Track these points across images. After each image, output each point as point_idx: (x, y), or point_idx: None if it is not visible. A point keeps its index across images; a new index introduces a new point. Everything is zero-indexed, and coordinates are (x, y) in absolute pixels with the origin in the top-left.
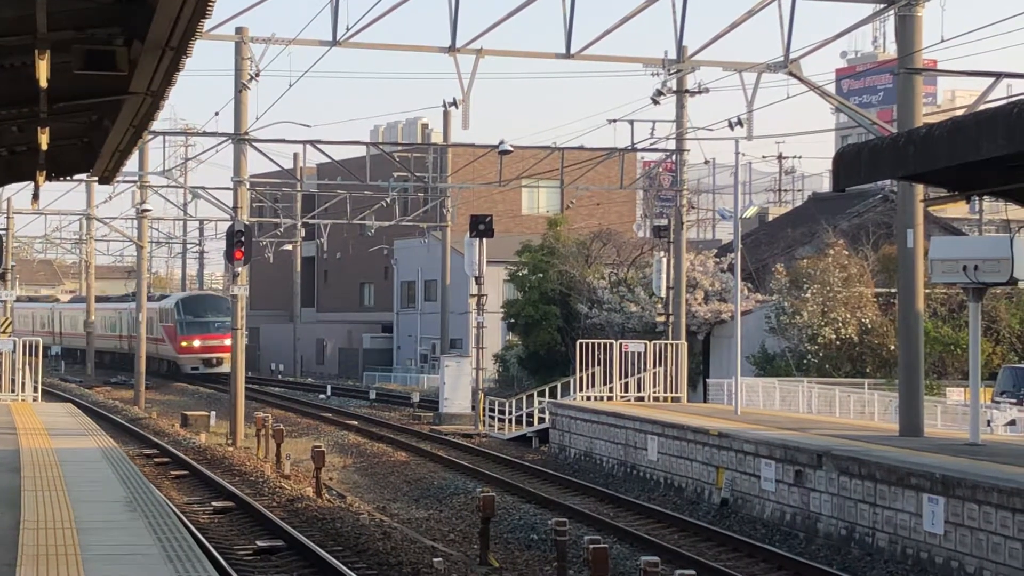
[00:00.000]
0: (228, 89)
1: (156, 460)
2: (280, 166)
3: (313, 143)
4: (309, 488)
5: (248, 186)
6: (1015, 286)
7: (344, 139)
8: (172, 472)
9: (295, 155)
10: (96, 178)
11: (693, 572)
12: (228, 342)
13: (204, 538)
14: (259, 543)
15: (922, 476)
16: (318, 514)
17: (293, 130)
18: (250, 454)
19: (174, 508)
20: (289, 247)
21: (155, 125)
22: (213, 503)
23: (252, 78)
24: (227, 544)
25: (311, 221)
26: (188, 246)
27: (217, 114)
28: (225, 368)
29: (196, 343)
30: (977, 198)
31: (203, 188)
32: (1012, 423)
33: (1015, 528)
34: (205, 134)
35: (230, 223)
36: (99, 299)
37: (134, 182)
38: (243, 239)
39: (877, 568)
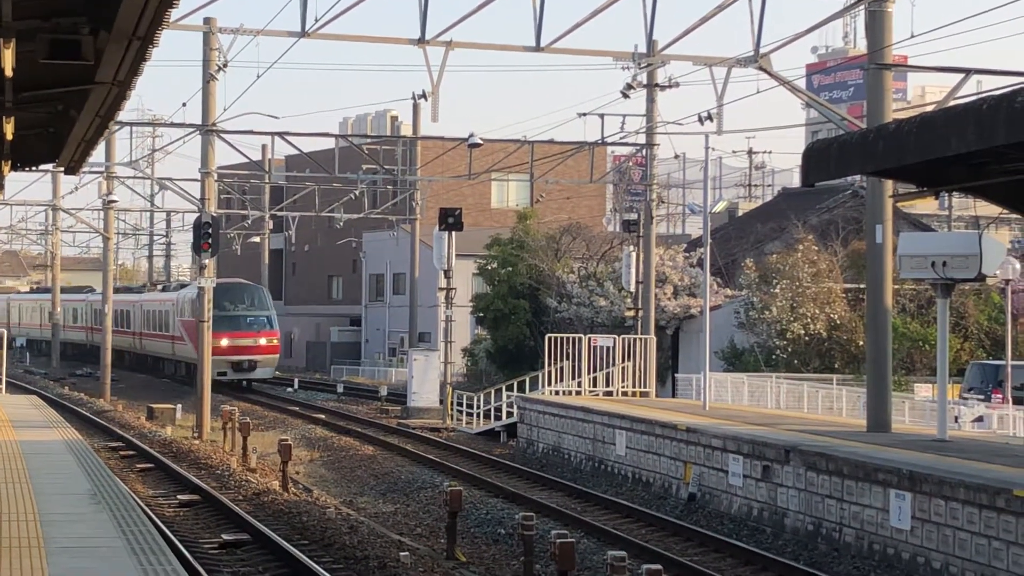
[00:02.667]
0: (196, 80)
1: (121, 453)
2: (248, 158)
3: (281, 135)
4: (275, 482)
5: (216, 178)
6: (983, 282)
7: (313, 131)
8: (138, 465)
9: (263, 147)
10: (62, 168)
11: (660, 567)
12: (264, 341)
13: (169, 531)
14: (225, 536)
15: (889, 472)
16: (284, 508)
17: (261, 121)
18: (216, 447)
19: (139, 501)
20: (257, 239)
21: (122, 115)
22: (179, 496)
23: (220, 69)
24: (192, 537)
25: (279, 213)
26: (155, 238)
27: (184, 105)
28: (261, 373)
29: (224, 342)
30: (946, 194)
31: (170, 179)
32: (979, 419)
33: (982, 524)
34: (172, 125)
35: (197, 215)
36: (74, 289)
37: (100, 173)
38: (210, 231)
39: (844, 563)
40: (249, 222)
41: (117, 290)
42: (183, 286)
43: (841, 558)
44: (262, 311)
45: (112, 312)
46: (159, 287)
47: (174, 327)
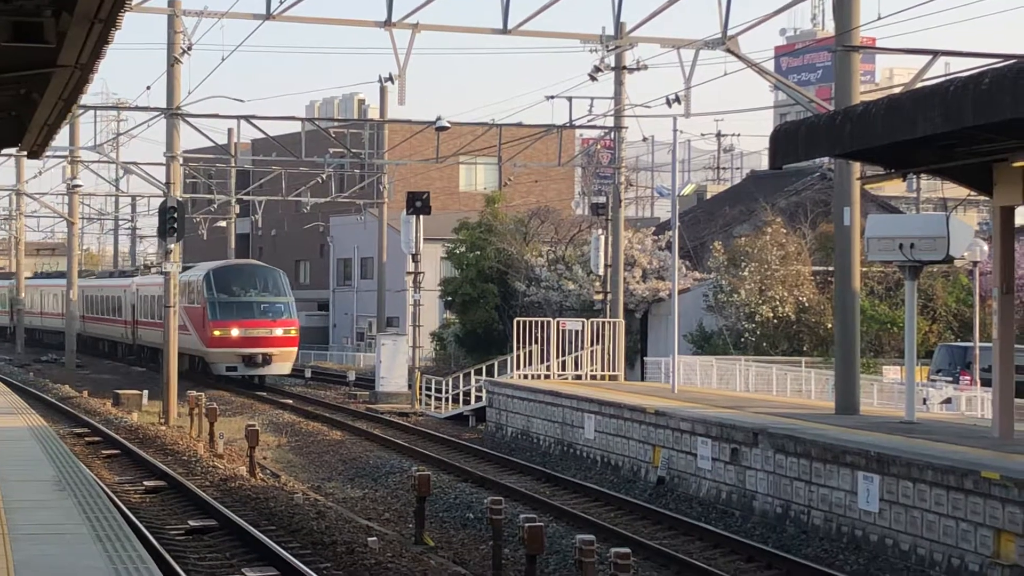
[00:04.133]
0: (160, 63)
1: (87, 439)
2: (214, 142)
3: (247, 118)
4: (243, 467)
5: (181, 162)
6: (951, 264)
7: (279, 115)
8: (103, 451)
9: (229, 131)
10: (25, 153)
11: (629, 551)
12: (281, 332)
13: (135, 517)
14: (191, 523)
15: (857, 454)
16: (252, 493)
17: (227, 105)
18: (183, 433)
19: (105, 487)
20: (223, 224)
21: (86, 99)
22: (145, 482)
23: (184, 52)
24: (159, 524)
25: (245, 197)
26: (120, 222)
27: (149, 88)
28: (277, 369)
29: (234, 332)
30: (914, 176)
31: (135, 163)
32: (948, 401)
33: (949, 506)
34: (137, 108)
35: (163, 199)
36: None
37: (65, 157)
38: (176, 215)
39: (812, 546)
40: (215, 206)
41: (108, 274)
42: (186, 268)
43: (809, 540)
44: (279, 297)
45: (99, 299)
46: (154, 269)
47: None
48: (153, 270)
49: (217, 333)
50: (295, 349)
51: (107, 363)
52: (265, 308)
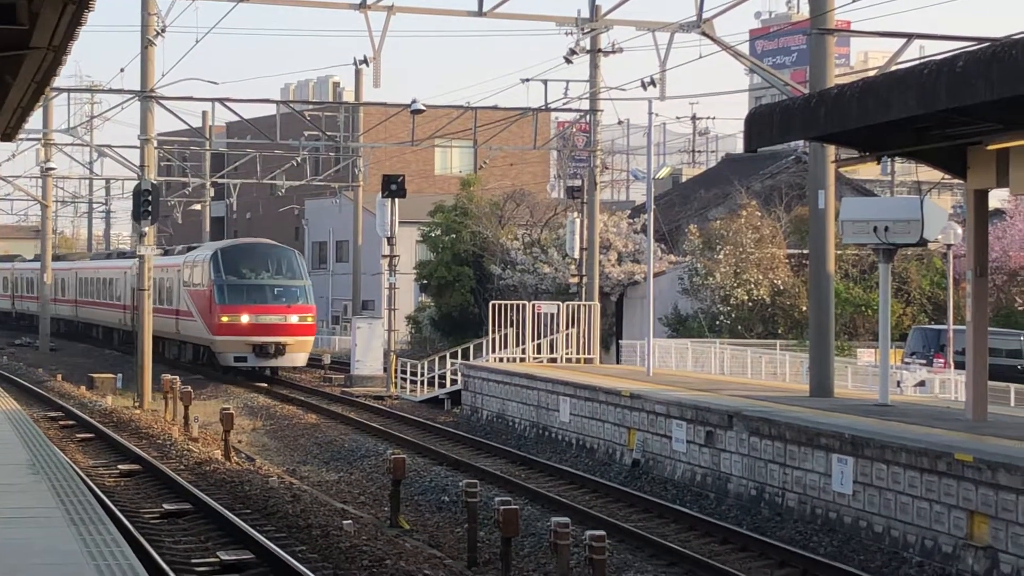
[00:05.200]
0: (134, 45)
1: (61, 423)
2: (188, 124)
3: (222, 101)
4: (218, 451)
5: (155, 144)
6: (925, 247)
7: (254, 97)
8: (78, 435)
9: (204, 113)
10: None
11: (603, 533)
12: (296, 319)
13: (110, 501)
14: (166, 506)
15: (831, 436)
16: (227, 477)
17: (201, 87)
18: (157, 417)
19: (79, 471)
20: (198, 207)
21: (60, 81)
22: (119, 466)
23: (158, 34)
24: (133, 507)
25: (220, 180)
26: (94, 205)
27: (123, 70)
28: (291, 360)
29: (244, 318)
30: (888, 159)
31: (109, 146)
32: (921, 384)
33: (923, 488)
34: (111, 91)
35: (137, 182)
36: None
37: (38, 140)
38: (150, 198)
39: (787, 528)
40: (190, 189)
41: (104, 255)
42: (191, 248)
43: (784, 522)
44: (294, 280)
45: (94, 282)
46: (157, 251)
47: (179, 299)
48: (157, 251)
49: (225, 319)
50: (312, 338)
51: (81, 346)
52: (279, 292)
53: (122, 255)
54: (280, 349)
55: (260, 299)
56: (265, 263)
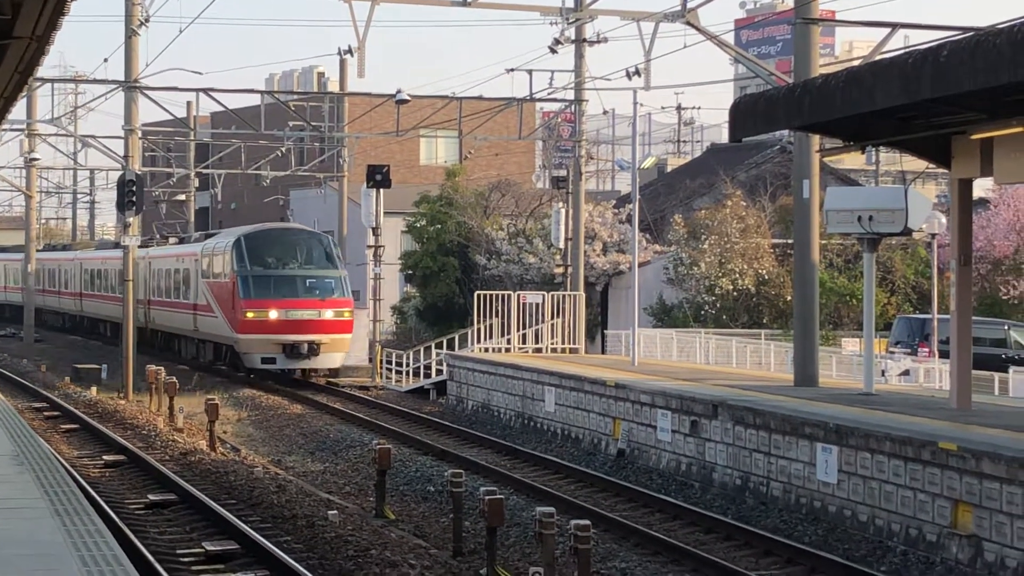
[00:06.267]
0: (118, 35)
1: (46, 414)
2: (172, 115)
3: (206, 91)
4: (203, 441)
5: (140, 135)
6: (910, 237)
7: (238, 87)
8: (62, 426)
9: (188, 103)
10: None
11: (589, 523)
12: (332, 314)
13: (94, 492)
14: (151, 497)
15: (816, 426)
16: (211, 467)
17: (186, 78)
18: (142, 407)
19: (63, 462)
20: (182, 197)
21: (43, 71)
22: (104, 457)
23: (142, 24)
24: (118, 498)
25: (205, 171)
26: (79, 196)
27: (107, 60)
28: (327, 362)
29: (272, 314)
30: (873, 149)
31: (93, 137)
32: (906, 373)
33: (907, 476)
34: (95, 81)
35: (121, 172)
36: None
37: (22, 130)
38: (134, 189)
39: (771, 517)
40: (174, 180)
41: (112, 245)
42: (209, 235)
43: (768, 512)
44: (328, 270)
45: (101, 274)
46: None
47: (196, 292)
48: (172, 239)
49: (250, 315)
50: (349, 336)
51: (68, 338)
52: (312, 284)
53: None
54: (314, 349)
55: (290, 292)
56: (295, 250)
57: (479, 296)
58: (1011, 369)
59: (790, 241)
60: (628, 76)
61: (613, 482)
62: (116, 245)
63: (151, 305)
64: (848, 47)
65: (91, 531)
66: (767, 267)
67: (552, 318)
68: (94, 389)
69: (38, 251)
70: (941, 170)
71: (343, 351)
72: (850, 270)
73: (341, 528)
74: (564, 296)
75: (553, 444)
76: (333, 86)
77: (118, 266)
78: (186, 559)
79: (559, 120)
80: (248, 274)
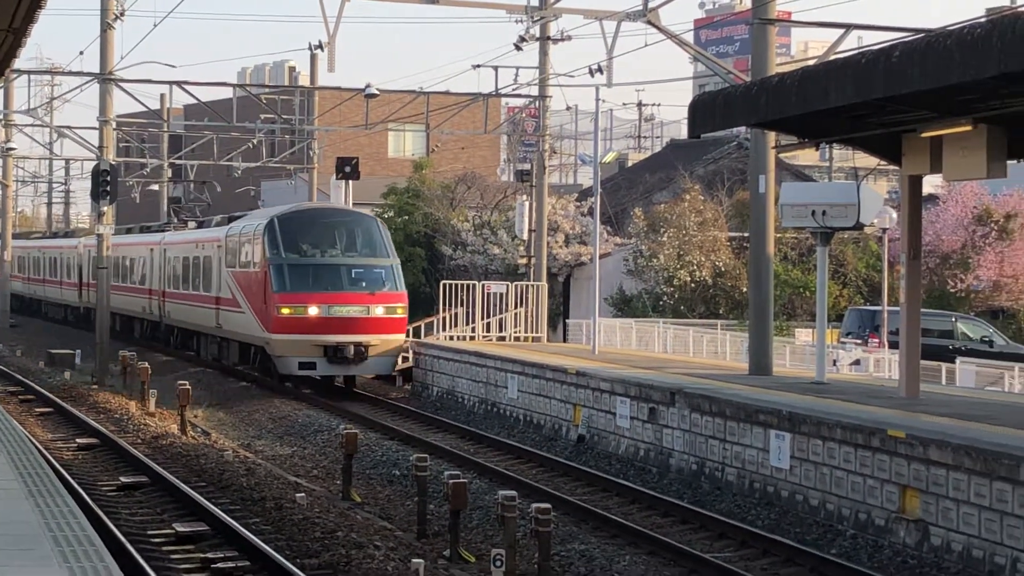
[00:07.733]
0: (94, 28)
1: (20, 397)
2: (147, 106)
3: (179, 84)
4: (174, 425)
5: (114, 126)
6: (861, 231)
7: (211, 80)
8: (36, 409)
9: (162, 96)
10: None
11: (549, 506)
12: (382, 310)
13: (68, 474)
14: (123, 479)
15: (769, 413)
16: (182, 451)
17: (159, 71)
18: (115, 392)
19: (37, 444)
20: (156, 187)
21: (20, 63)
22: (77, 440)
23: (117, 17)
24: (91, 480)
25: (178, 162)
26: (54, 186)
27: (82, 53)
28: (376, 367)
29: (312, 310)
30: (827, 145)
31: (69, 127)
32: (857, 363)
33: (857, 463)
34: (70, 73)
35: (96, 162)
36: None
37: None
38: (108, 179)
39: (726, 501)
40: (148, 170)
41: (125, 230)
42: (233, 218)
43: (723, 496)
44: (377, 258)
45: (109, 262)
46: (191, 223)
47: (219, 283)
48: (191, 224)
49: (285, 312)
50: (402, 337)
51: (40, 322)
52: (358, 275)
53: (146, 229)
54: (361, 352)
55: (333, 284)
56: (334, 236)
57: (445, 286)
58: (958, 359)
59: (746, 234)
60: (591, 73)
61: (573, 467)
62: (128, 231)
63: (166, 298)
64: (804, 47)
65: (64, 512)
66: (724, 259)
67: (516, 307)
68: (68, 374)
69: (37, 239)
70: (892, 167)
71: (395, 354)
72: (804, 263)
73: (309, 510)
74: (527, 286)
75: (515, 430)
76: (304, 80)
77: (128, 253)
78: (157, 539)
79: (524, 115)
80: (283, 263)
